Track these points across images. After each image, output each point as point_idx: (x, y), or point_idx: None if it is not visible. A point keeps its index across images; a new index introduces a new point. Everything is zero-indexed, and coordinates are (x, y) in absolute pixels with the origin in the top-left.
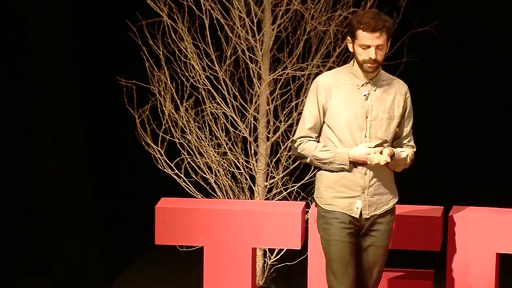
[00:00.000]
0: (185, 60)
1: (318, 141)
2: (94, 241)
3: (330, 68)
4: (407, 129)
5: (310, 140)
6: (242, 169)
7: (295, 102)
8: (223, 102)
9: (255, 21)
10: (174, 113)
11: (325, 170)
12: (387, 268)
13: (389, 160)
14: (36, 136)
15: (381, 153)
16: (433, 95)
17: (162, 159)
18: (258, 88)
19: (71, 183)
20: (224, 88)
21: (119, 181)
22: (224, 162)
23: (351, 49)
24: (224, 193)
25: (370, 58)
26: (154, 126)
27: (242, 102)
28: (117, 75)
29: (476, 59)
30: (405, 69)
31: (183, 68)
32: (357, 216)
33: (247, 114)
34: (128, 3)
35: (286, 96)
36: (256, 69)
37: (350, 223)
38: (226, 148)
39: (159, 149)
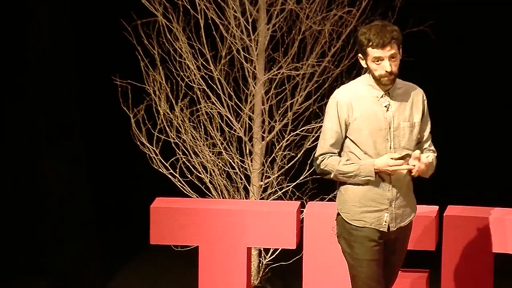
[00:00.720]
0: (180, 59)
1: (340, 156)
2: (91, 241)
3: (325, 68)
4: (426, 132)
5: (332, 156)
6: (237, 169)
7: (290, 102)
8: (218, 102)
9: (250, 20)
10: (169, 112)
11: (351, 184)
12: None
13: (411, 168)
14: (35, 136)
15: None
16: (428, 94)
17: (157, 158)
18: (253, 88)
19: (69, 183)
20: (219, 87)
21: (114, 181)
22: (219, 162)
23: (364, 65)
24: (219, 193)
25: (386, 71)
26: (149, 126)
27: (237, 102)
28: (112, 75)
29: (472, 59)
30: (400, 68)
31: (178, 68)
32: (385, 230)
33: (242, 113)
34: (123, 3)
35: (281, 96)
36: (251, 69)
37: (378, 239)
38: (221, 148)
39: (154, 148)
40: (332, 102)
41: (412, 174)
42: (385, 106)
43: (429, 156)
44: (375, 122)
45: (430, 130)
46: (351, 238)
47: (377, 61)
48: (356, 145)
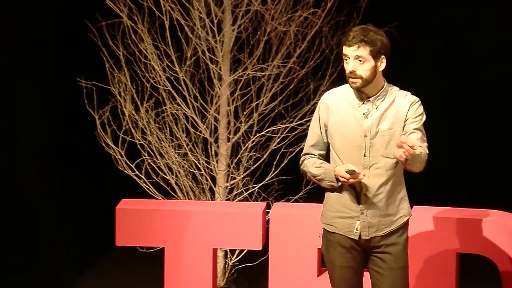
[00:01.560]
0: (145, 61)
1: (323, 158)
2: (57, 242)
3: (290, 69)
4: (410, 129)
5: (311, 157)
6: (202, 170)
7: (255, 103)
8: (183, 103)
9: (215, 21)
10: (135, 114)
11: (324, 187)
12: None
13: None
14: (1, 138)
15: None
16: None
17: (123, 160)
18: (218, 89)
19: (35, 185)
20: (185, 89)
21: (79, 182)
22: (184, 163)
23: None
24: (185, 194)
25: (349, 71)
26: (115, 127)
27: (203, 103)
28: (77, 76)
29: (437, 59)
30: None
31: (143, 69)
32: (356, 237)
33: (207, 115)
34: (88, 4)
35: (246, 97)
36: (216, 70)
37: (351, 247)
38: (187, 149)
39: (120, 150)
40: (319, 102)
41: (401, 160)
42: (364, 114)
43: (417, 149)
44: (349, 128)
45: (424, 133)
46: (327, 242)
47: (345, 59)
48: (334, 150)
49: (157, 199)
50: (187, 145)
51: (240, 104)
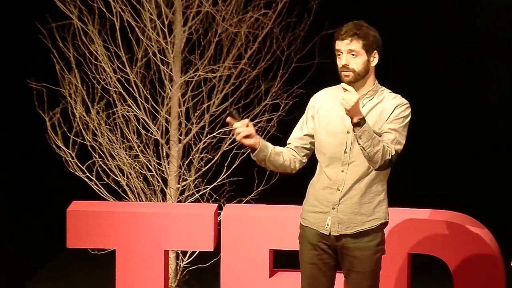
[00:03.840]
0: (95, 62)
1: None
2: (6, 245)
3: (241, 70)
4: (385, 128)
5: (288, 148)
6: (154, 172)
7: (206, 104)
8: (134, 105)
9: (166, 23)
10: (85, 115)
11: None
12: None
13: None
14: None
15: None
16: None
17: (73, 162)
18: (169, 90)
19: None
20: (136, 90)
21: (29, 184)
22: (136, 165)
23: None
24: (136, 196)
25: (342, 65)
26: (65, 129)
27: (154, 105)
28: (27, 78)
29: (389, 60)
30: (317, 70)
31: (94, 71)
32: (326, 233)
33: (158, 116)
34: (38, 5)
35: (197, 98)
36: (167, 71)
37: (318, 244)
38: (138, 151)
39: (70, 152)
40: (311, 99)
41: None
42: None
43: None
44: (333, 124)
45: (402, 136)
46: (300, 235)
47: (338, 54)
48: (318, 144)
49: (108, 201)
50: (138, 146)
51: (191, 105)
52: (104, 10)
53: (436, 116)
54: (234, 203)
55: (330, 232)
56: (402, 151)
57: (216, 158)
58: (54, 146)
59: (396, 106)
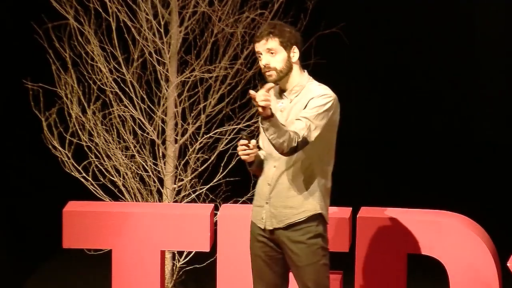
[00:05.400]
0: (92, 62)
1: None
2: (2, 246)
3: (237, 71)
4: (300, 116)
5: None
6: (150, 172)
7: (203, 105)
8: (130, 105)
9: (162, 23)
10: (81, 116)
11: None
12: None
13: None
14: None
15: None
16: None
17: (70, 162)
18: (165, 91)
19: None
20: (132, 90)
21: (26, 184)
22: (132, 165)
23: None
24: (133, 196)
25: (263, 65)
26: (61, 129)
27: (150, 105)
28: (23, 78)
29: (383, 61)
30: (313, 70)
31: (90, 71)
32: (262, 227)
33: (155, 116)
34: (34, 6)
35: (194, 99)
36: (163, 72)
37: (259, 235)
38: (134, 151)
39: (66, 152)
40: None
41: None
42: (279, 108)
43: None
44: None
45: (307, 124)
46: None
47: (259, 56)
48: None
49: (105, 201)
50: (135, 147)
51: (187, 105)
52: (100, 10)
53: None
54: (230, 203)
55: (265, 226)
56: (309, 136)
57: (212, 158)
58: (50, 147)
59: (314, 97)
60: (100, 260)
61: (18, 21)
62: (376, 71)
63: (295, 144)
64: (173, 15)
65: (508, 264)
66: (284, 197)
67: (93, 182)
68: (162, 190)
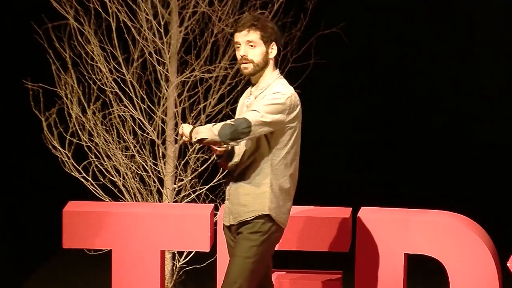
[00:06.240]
0: (92, 63)
1: None
2: (3, 246)
3: (237, 71)
4: (251, 109)
5: None
6: (150, 172)
7: (203, 105)
8: (130, 105)
9: (162, 23)
10: (81, 116)
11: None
12: (296, 269)
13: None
14: None
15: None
16: (339, 95)
17: (70, 162)
18: (165, 91)
19: None
20: (132, 90)
21: (26, 184)
22: (132, 165)
23: None
24: (132, 196)
25: (240, 56)
26: (61, 129)
27: (150, 105)
28: (23, 78)
29: (383, 61)
30: (313, 70)
31: (90, 71)
32: (224, 223)
33: (155, 116)
34: (34, 6)
35: (194, 99)
36: (163, 72)
37: (226, 231)
38: (134, 151)
39: (66, 152)
40: None
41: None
42: (246, 102)
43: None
44: (237, 116)
45: (253, 114)
46: None
47: (237, 46)
48: None
49: (105, 201)
50: (135, 147)
51: (187, 105)
52: (100, 10)
53: (436, 116)
54: None
55: (224, 222)
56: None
57: (212, 158)
58: (50, 147)
59: (268, 94)
60: (100, 260)
61: (18, 21)
62: (376, 71)
63: (233, 129)
64: (173, 15)
65: (508, 264)
66: (239, 194)
67: (93, 182)
68: (162, 190)
